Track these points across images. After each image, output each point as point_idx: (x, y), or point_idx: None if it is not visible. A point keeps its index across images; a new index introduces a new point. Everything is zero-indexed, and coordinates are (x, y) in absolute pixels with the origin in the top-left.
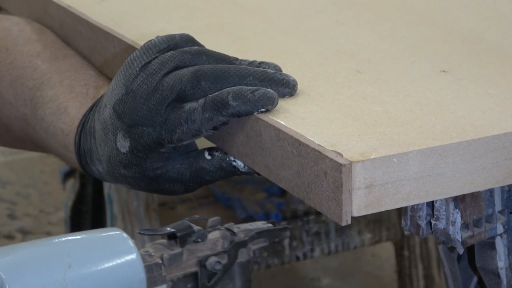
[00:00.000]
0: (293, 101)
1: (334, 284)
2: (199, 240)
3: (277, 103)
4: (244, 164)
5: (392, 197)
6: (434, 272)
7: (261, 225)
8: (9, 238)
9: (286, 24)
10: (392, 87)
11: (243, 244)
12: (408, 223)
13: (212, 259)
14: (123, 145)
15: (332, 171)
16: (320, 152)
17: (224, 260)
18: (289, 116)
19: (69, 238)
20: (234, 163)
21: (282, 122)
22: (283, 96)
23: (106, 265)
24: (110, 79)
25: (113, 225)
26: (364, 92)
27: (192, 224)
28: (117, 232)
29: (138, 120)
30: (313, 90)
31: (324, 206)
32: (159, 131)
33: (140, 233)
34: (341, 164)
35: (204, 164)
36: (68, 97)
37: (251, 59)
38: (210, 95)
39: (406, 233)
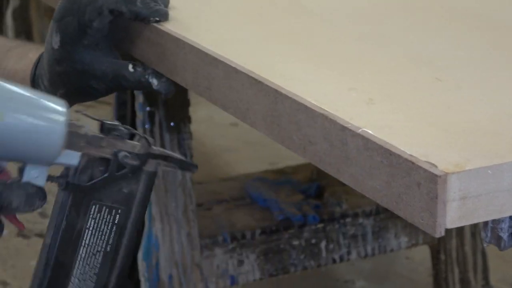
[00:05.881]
0: (376, 109)
1: (369, 286)
2: (119, 135)
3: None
4: (158, 82)
5: (485, 208)
6: (470, 276)
7: (177, 155)
8: (41, 236)
9: (356, 29)
10: (475, 96)
11: (153, 156)
12: (489, 234)
13: (125, 153)
14: (56, 41)
15: (427, 182)
16: (413, 163)
17: (135, 162)
18: (375, 125)
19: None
20: (150, 80)
21: (370, 131)
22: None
23: (39, 107)
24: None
25: (151, 226)
26: (447, 100)
27: (122, 126)
28: (59, 99)
29: (64, 13)
30: (395, 98)
31: (416, 217)
32: (77, 17)
33: (80, 112)
34: (436, 175)
35: (126, 73)
36: (29, 46)
37: (326, 68)
38: None
39: (485, 244)
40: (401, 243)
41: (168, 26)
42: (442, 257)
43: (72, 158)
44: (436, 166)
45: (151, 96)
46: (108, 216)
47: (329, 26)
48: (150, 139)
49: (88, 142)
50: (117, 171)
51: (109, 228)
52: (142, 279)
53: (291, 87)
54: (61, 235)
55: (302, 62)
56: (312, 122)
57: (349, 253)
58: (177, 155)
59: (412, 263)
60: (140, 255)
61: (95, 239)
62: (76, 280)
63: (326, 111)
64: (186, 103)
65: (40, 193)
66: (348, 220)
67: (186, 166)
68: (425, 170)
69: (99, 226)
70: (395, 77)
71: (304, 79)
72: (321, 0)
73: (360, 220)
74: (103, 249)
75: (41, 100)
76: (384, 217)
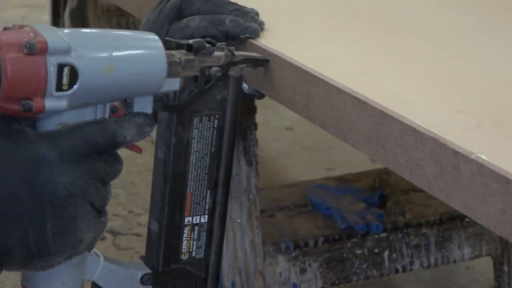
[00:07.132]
0: (487, 133)
1: None
2: (208, 53)
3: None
4: (248, 87)
5: None
6: None
7: (254, 54)
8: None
9: (453, 47)
10: None
11: (235, 64)
12: None
13: (216, 69)
14: None
15: None
16: None
17: (221, 73)
18: (488, 151)
19: (117, 31)
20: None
21: (483, 157)
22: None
23: (141, 51)
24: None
25: None
26: None
27: (204, 41)
28: (152, 35)
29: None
30: (504, 122)
31: None
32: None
33: (167, 39)
34: None
35: None
36: None
37: (430, 88)
38: (210, 14)
39: None
40: (464, 254)
41: (263, 42)
42: (505, 268)
43: (173, 84)
44: None
45: None
46: (209, 123)
47: (424, 42)
48: (232, 48)
49: (182, 67)
50: (206, 83)
51: (210, 132)
52: None
53: (397, 108)
54: (173, 150)
55: (404, 81)
56: (421, 145)
57: (412, 263)
58: (253, 54)
59: (473, 273)
60: None
61: (201, 145)
62: (192, 182)
63: (436, 134)
64: (252, 110)
65: (149, 120)
66: (411, 230)
67: (260, 63)
68: None
69: (202, 133)
70: (502, 99)
71: (409, 100)
72: (410, 15)
73: (424, 230)
74: (209, 152)
75: (142, 37)
76: (447, 227)
